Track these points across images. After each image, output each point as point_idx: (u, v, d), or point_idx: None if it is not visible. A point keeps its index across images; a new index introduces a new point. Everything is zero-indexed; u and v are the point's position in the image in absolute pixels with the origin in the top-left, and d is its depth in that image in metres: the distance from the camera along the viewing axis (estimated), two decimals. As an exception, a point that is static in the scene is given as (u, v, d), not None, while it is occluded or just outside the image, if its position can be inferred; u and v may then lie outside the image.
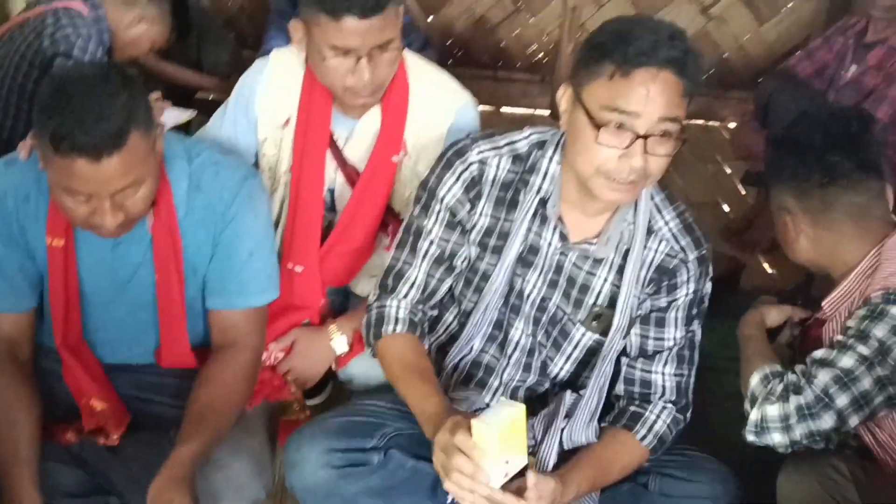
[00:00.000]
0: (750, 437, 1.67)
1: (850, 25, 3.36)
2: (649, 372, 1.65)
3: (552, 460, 1.60)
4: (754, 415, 1.66)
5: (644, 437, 1.62)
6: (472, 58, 4.64)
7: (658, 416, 1.63)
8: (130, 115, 1.44)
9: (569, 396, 1.65)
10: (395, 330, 1.64)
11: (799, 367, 1.67)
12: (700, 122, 4.68)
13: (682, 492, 1.60)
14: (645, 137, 1.42)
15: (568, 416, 1.64)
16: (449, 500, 1.59)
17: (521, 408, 1.34)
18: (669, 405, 1.64)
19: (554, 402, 1.67)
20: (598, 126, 1.43)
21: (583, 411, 1.64)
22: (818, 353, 1.67)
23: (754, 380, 1.70)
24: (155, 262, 1.66)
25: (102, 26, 2.52)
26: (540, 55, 4.64)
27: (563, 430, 1.63)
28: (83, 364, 1.71)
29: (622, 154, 1.43)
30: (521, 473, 1.40)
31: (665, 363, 1.65)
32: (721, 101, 4.61)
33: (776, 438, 1.63)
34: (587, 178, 1.49)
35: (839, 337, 1.68)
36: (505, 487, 1.37)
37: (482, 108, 4.40)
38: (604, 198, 1.50)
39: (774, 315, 1.92)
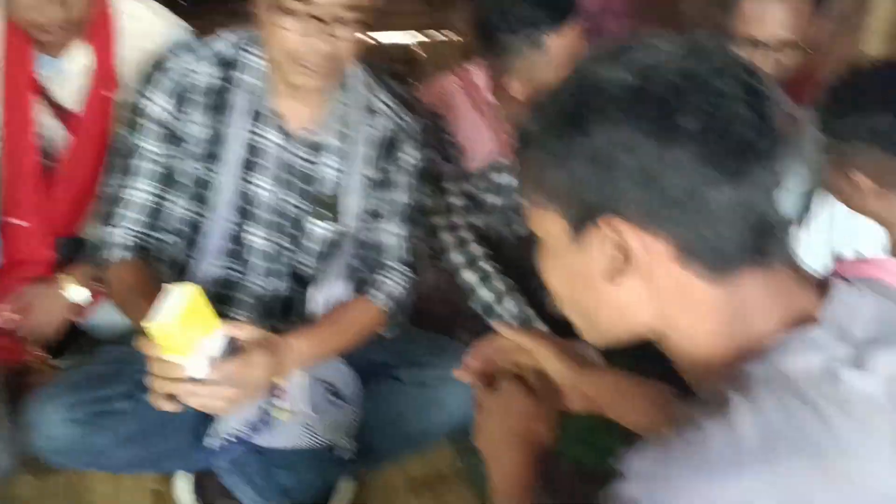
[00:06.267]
0: None
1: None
2: (379, 231, 1.72)
3: None
4: None
5: (378, 298, 1.70)
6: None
7: (388, 278, 1.72)
8: None
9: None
10: (115, 256, 1.57)
11: None
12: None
13: (433, 377, 1.67)
14: (320, 20, 1.44)
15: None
16: (215, 439, 1.59)
17: (189, 287, 1.25)
18: (401, 266, 1.73)
19: None
20: (277, 9, 1.44)
21: (330, 273, 1.68)
22: None
23: None
24: None
25: None
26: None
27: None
28: None
29: (306, 37, 1.45)
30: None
31: (395, 223, 1.72)
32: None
33: None
34: (281, 64, 1.50)
35: None
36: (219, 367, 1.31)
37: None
38: (298, 83, 1.51)
39: None
